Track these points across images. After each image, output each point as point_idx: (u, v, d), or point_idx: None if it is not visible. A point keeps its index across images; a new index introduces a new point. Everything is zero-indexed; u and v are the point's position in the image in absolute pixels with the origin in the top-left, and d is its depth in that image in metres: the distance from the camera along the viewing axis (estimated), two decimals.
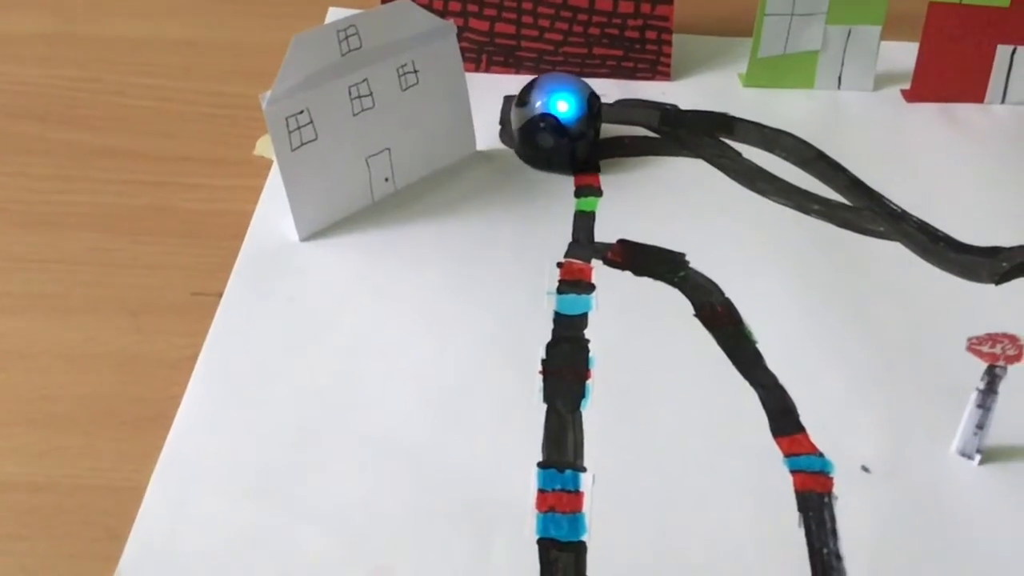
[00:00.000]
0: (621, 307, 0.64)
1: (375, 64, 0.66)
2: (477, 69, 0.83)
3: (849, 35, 0.82)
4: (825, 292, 0.65)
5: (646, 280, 0.66)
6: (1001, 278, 0.66)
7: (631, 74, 0.84)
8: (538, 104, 0.72)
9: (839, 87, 0.84)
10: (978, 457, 0.55)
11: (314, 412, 0.56)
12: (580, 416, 0.57)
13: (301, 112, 0.64)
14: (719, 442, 0.56)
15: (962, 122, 0.81)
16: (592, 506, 0.52)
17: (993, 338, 0.53)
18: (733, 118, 0.80)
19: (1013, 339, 0.53)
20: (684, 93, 0.83)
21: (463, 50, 0.71)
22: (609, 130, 0.78)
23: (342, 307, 0.62)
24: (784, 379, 0.59)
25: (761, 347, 0.61)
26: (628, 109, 0.81)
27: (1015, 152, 0.78)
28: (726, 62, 0.86)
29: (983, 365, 0.53)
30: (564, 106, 0.71)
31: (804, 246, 0.68)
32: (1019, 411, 0.56)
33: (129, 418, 0.56)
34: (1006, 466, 0.55)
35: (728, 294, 0.64)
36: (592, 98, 0.73)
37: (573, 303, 0.64)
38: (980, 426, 0.54)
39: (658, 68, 0.84)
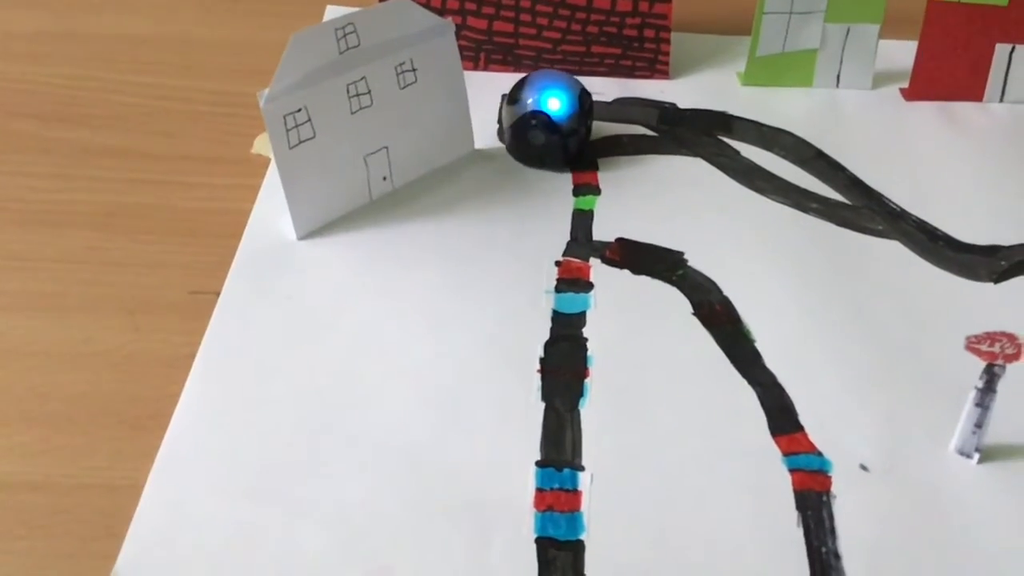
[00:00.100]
0: (619, 306, 0.64)
1: (373, 62, 0.66)
2: (475, 67, 0.83)
3: (848, 33, 0.82)
4: (824, 291, 0.65)
5: (644, 279, 0.66)
6: (1000, 277, 0.66)
7: (629, 72, 0.84)
8: (529, 101, 0.72)
9: (838, 85, 0.84)
10: (977, 456, 0.55)
11: (312, 411, 0.56)
12: (578, 415, 0.57)
13: (299, 110, 0.64)
14: (717, 441, 0.56)
15: (961, 121, 0.81)
16: (590, 505, 0.52)
17: (992, 337, 0.53)
18: (731, 116, 0.80)
19: (1012, 338, 0.53)
20: (682, 91, 0.83)
21: (461, 48, 0.71)
22: (607, 128, 0.78)
23: (340, 306, 0.62)
24: (782, 378, 0.59)
25: (759, 346, 0.61)
26: (626, 107, 0.81)
27: (1014, 151, 0.78)
28: (724, 60, 0.86)
29: (982, 364, 0.54)
30: (555, 103, 0.71)
31: (803, 245, 0.68)
32: (1018, 410, 0.56)
33: (127, 417, 0.56)
34: (1005, 465, 0.55)
35: (726, 292, 0.64)
36: (583, 95, 0.73)
37: (571, 302, 0.63)
38: (979, 425, 0.54)
39: (656, 66, 0.84)
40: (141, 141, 0.76)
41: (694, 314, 0.63)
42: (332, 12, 0.88)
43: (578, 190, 0.72)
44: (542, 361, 0.59)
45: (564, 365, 0.59)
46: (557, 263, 0.66)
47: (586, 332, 0.61)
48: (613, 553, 0.50)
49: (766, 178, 0.74)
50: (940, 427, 0.56)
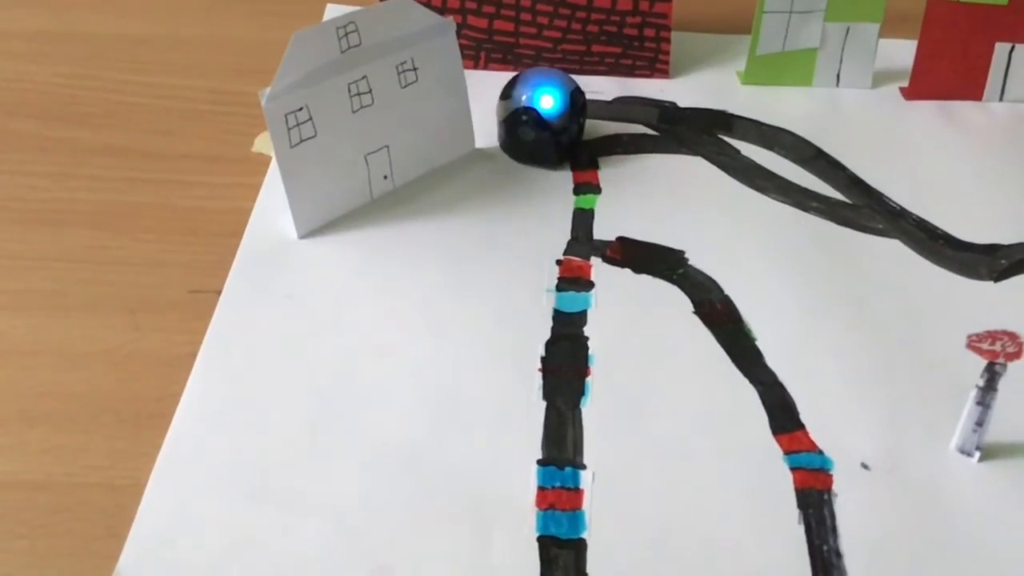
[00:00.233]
0: (620, 304, 0.64)
1: (374, 61, 0.66)
2: (475, 66, 0.83)
3: (848, 33, 0.82)
4: (824, 289, 0.65)
5: (645, 277, 0.66)
6: (1000, 275, 0.66)
7: (629, 71, 0.84)
8: (521, 98, 0.72)
9: (837, 85, 0.84)
10: (977, 454, 0.55)
11: (313, 410, 0.56)
12: (580, 413, 0.57)
13: (300, 109, 0.64)
14: (719, 439, 0.56)
15: (960, 120, 0.81)
16: (592, 503, 0.52)
17: (993, 335, 0.53)
18: (732, 116, 0.80)
19: (1013, 336, 0.53)
20: (682, 90, 0.83)
21: (461, 47, 0.71)
22: (608, 127, 0.78)
23: (341, 304, 0.62)
24: (783, 376, 0.59)
25: (760, 344, 0.61)
26: (626, 106, 0.81)
27: (1013, 149, 0.78)
28: (724, 59, 0.86)
29: (983, 362, 0.54)
30: (546, 100, 0.71)
31: (803, 243, 0.68)
32: (1018, 408, 0.56)
33: (128, 416, 0.56)
34: (1005, 463, 0.55)
35: (727, 291, 0.64)
36: (575, 93, 0.73)
37: (572, 300, 0.63)
38: (979, 423, 0.54)
39: (656, 65, 0.84)
40: (141, 140, 0.76)
41: (695, 313, 0.63)
42: (332, 11, 0.88)
43: (579, 189, 0.72)
44: (543, 360, 0.59)
45: (565, 364, 0.59)
46: (558, 262, 0.66)
47: (587, 331, 0.62)
48: (615, 551, 0.50)
49: (766, 177, 0.74)
50: (941, 425, 0.56)
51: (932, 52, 0.81)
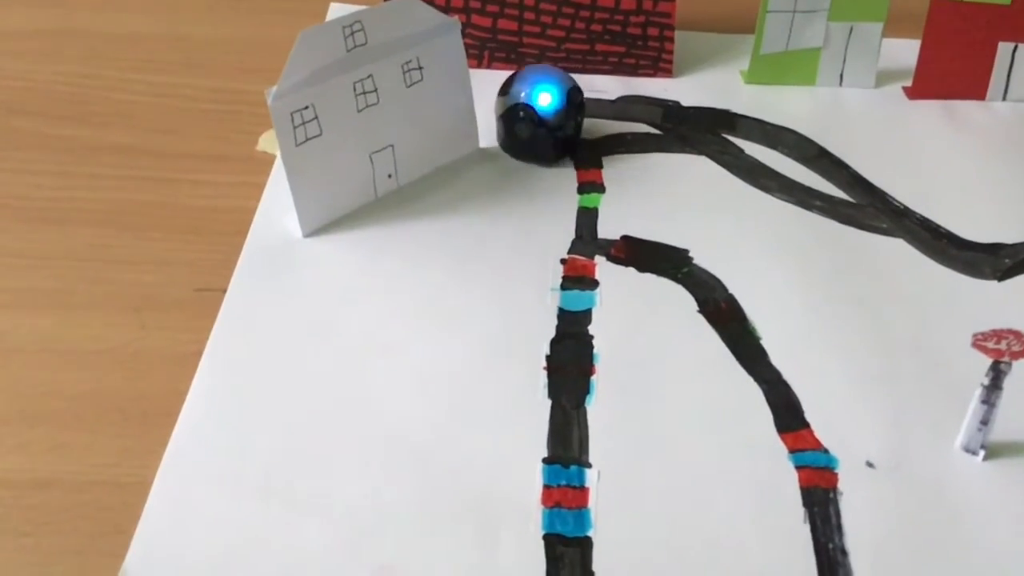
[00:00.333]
0: (625, 303, 0.64)
1: (380, 60, 0.66)
2: (479, 66, 0.83)
3: (851, 32, 0.82)
4: (828, 288, 0.65)
5: (649, 276, 0.66)
6: (1004, 274, 0.67)
7: (633, 71, 0.84)
8: (518, 95, 0.72)
9: (841, 84, 0.84)
10: (982, 453, 0.55)
11: (318, 408, 0.56)
12: (585, 412, 0.57)
13: (306, 108, 0.64)
14: (723, 438, 0.56)
15: (963, 119, 0.81)
16: (597, 501, 0.52)
17: (998, 334, 0.53)
18: (735, 115, 0.80)
19: (1018, 335, 0.53)
20: (686, 90, 0.83)
21: (465, 46, 0.71)
22: (612, 127, 0.78)
23: (346, 303, 0.62)
24: (788, 375, 0.59)
25: (765, 343, 0.61)
26: (630, 106, 0.81)
27: (1016, 149, 0.78)
28: (728, 59, 0.86)
29: (987, 361, 0.54)
30: (542, 98, 0.71)
31: (807, 242, 0.69)
32: (1023, 407, 0.56)
33: (133, 414, 0.56)
34: (1010, 462, 0.55)
35: (731, 290, 0.65)
36: (573, 91, 0.73)
37: (577, 299, 0.64)
38: (984, 422, 0.54)
39: (660, 65, 0.84)
40: (145, 139, 0.76)
41: (699, 311, 0.63)
42: (335, 10, 0.88)
43: (583, 188, 0.72)
44: (548, 358, 0.60)
45: (570, 362, 0.59)
46: (562, 261, 0.66)
47: (592, 329, 0.62)
48: (620, 549, 0.50)
49: (770, 176, 0.74)
50: (946, 424, 0.56)
51: (935, 52, 0.81)
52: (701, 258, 0.67)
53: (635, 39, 0.83)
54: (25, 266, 0.65)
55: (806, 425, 0.57)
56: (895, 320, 0.63)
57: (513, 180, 0.73)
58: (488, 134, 0.75)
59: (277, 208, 0.68)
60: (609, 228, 0.69)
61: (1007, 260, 0.67)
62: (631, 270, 0.66)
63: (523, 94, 0.72)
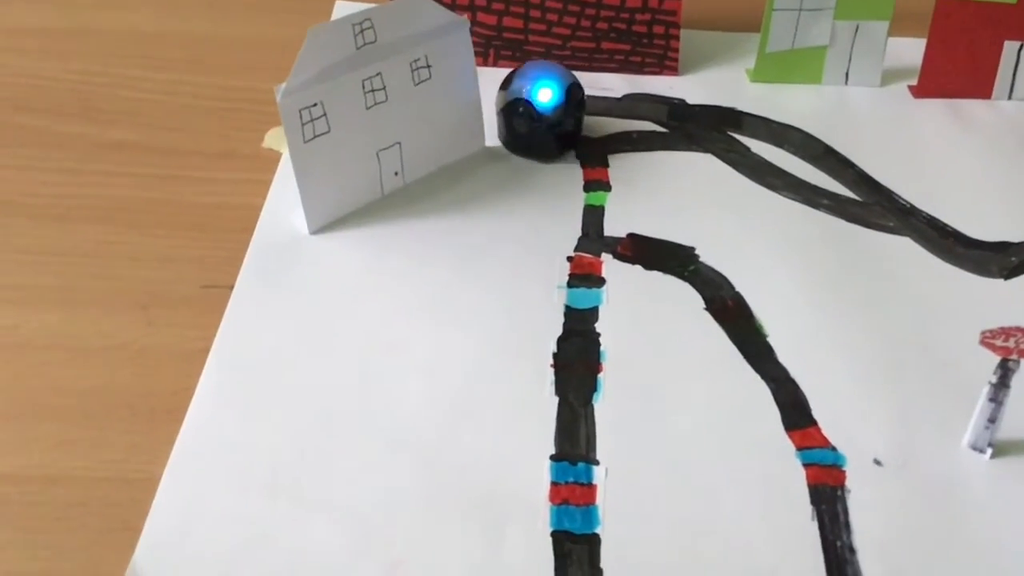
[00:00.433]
0: (632, 301, 0.64)
1: (389, 58, 0.66)
2: (485, 63, 0.83)
3: (857, 31, 0.82)
4: (835, 286, 0.65)
5: (656, 274, 0.66)
6: (1010, 273, 0.67)
7: (639, 69, 0.84)
8: (517, 89, 0.72)
9: (846, 83, 0.84)
10: (990, 451, 0.55)
11: (325, 405, 0.56)
12: (592, 409, 0.57)
13: (315, 105, 0.64)
14: (731, 436, 0.56)
15: (969, 118, 0.81)
16: (605, 499, 0.52)
17: (1007, 332, 0.53)
18: (741, 113, 0.80)
19: None
20: (692, 88, 0.83)
21: None
22: (617, 125, 0.78)
23: (352, 300, 0.63)
24: (795, 373, 0.59)
25: (772, 341, 0.61)
26: (636, 104, 0.81)
27: (1022, 148, 0.78)
28: (733, 57, 0.86)
29: (995, 359, 0.54)
30: (542, 94, 0.71)
31: (814, 240, 0.69)
32: None
33: (141, 411, 0.56)
34: (1017, 460, 0.55)
35: (738, 288, 0.65)
36: (573, 88, 0.73)
37: (583, 297, 0.64)
38: (992, 420, 0.54)
39: (665, 63, 0.84)
40: (151, 136, 0.76)
41: (706, 309, 0.63)
42: (340, 9, 0.88)
43: (589, 186, 0.72)
44: (555, 356, 0.60)
45: (577, 360, 0.59)
46: (569, 258, 0.66)
47: (598, 327, 0.62)
48: (628, 546, 0.50)
49: (776, 174, 0.74)
50: (953, 422, 0.56)
51: (941, 50, 0.81)
52: (708, 256, 0.67)
53: (641, 37, 0.83)
54: (32, 262, 0.65)
55: (813, 423, 0.57)
56: (902, 318, 0.63)
57: (519, 178, 0.73)
58: (493, 133, 0.75)
59: (283, 205, 0.68)
60: (615, 226, 0.69)
61: (1014, 258, 0.67)
62: (638, 268, 0.66)
63: (522, 89, 0.72)
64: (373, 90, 0.66)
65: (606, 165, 0.74)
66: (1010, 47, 0.81)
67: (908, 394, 0.58)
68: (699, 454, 0.55)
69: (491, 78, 0.76)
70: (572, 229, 0.69)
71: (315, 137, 0.64)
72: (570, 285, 0.64)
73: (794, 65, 0.83)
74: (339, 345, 0.60)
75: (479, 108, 0.73)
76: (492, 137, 0.75)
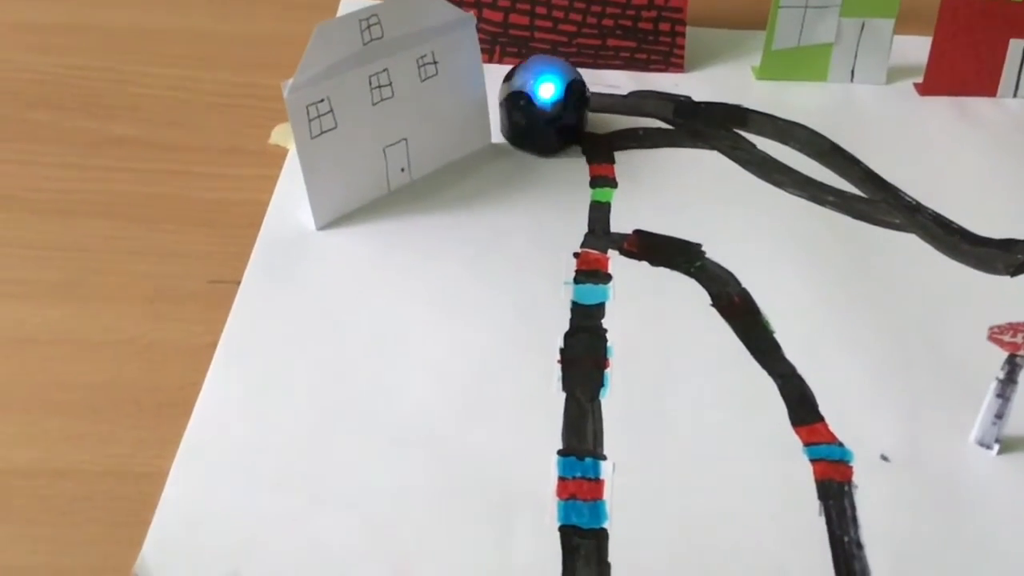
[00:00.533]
0: (638, 297, 0.64)
1: (396, 55, 0.66)
2: (490, 60, 0.83)
3: (863, 28, 0.82)
4: (842, 282, 0.65)
5: (663, 270, 0.66)
6: (1016, 270, 0.67)
7: (644, 66, 0.84)
8: (519, 83, 0.72)
9: (852, 80, 0.84)
10: (997, 447, 0.55)
11: (333, 400, 0.56)
12: (599, 404, 0.57)
13: (322, 101, 0.64)
14: (738, 431, 0.56)
15: (975, 115, 0.81)
16: (612, 494, 0.52)
17: (1015, 327, 0.53)
18: (747, 110, 0.80)
19: None
20: (697, 85, 0.83)
21: None
22: (623, 121, 0.78)
23: (360, 295, 0.63)
24: (802, 369, 0.59)
25: (779, 337, 0.61)
26: (642, 100, 0.81)
27: None
28: (739, 54, 0.86)
29: (1002, 355, 0.54)
30: (544, 88, 0.71)
31: (820, 237, 0.69)
32: None
33: (148, 405, 0.56)
34: None
35: (744, 284, 0.65)
36: (575, 83, 0.73)
37: (590, 293, 0.64)
38: (999, 416, 0.54)
39: (671, 60, 0.84)
40: (157, 132, 0.76)
41: (712, 305, 0.63)
42: (347, 5, 0.88)
43: (595, 182, 0.72)
44: (562, 351, 0.60)
45: (584, 355, 0.59)
46: (575, 255, 0.66)
47: (605, 323, 0.62)
48: (636, 541, 0.50)
49: (782, 171, 0.74)
50: (960, 418, 0.56)
51: (947, 48, 0.81)
52: (714, 252, 0.67)
53: (647, 34, 0.83)
54: (38, 257, 0.65)
55: (820, 419, 0.57)
56: (908, 315, 0.63)
57: (525, 174, 0.73)
58: (500, 129, 0.75)
59: (290, 201, 0.68)
60: (621, 222, 0.69)
61: (1020, 256, 0.67)
62: (644, 264, 0.66)
63: (524, 83, 0.72)
64: (380, 86, 0.66)
65: (612, 161, 0.74)
66: (1016, 45, 0.81)
67: (915, 390, 0.58)
68: (706, 449, 0.55)
69: (497, 75, 0.76)
70: (578, 225, 0.69)
71: (322, 133, 0.64)
72: (577, 281, 0.64)
73: (800, 62, 0.83)
74: (345, 341, 0.60)
75: (485, 104, 0.73)
76: (498, 133, 0.75)
